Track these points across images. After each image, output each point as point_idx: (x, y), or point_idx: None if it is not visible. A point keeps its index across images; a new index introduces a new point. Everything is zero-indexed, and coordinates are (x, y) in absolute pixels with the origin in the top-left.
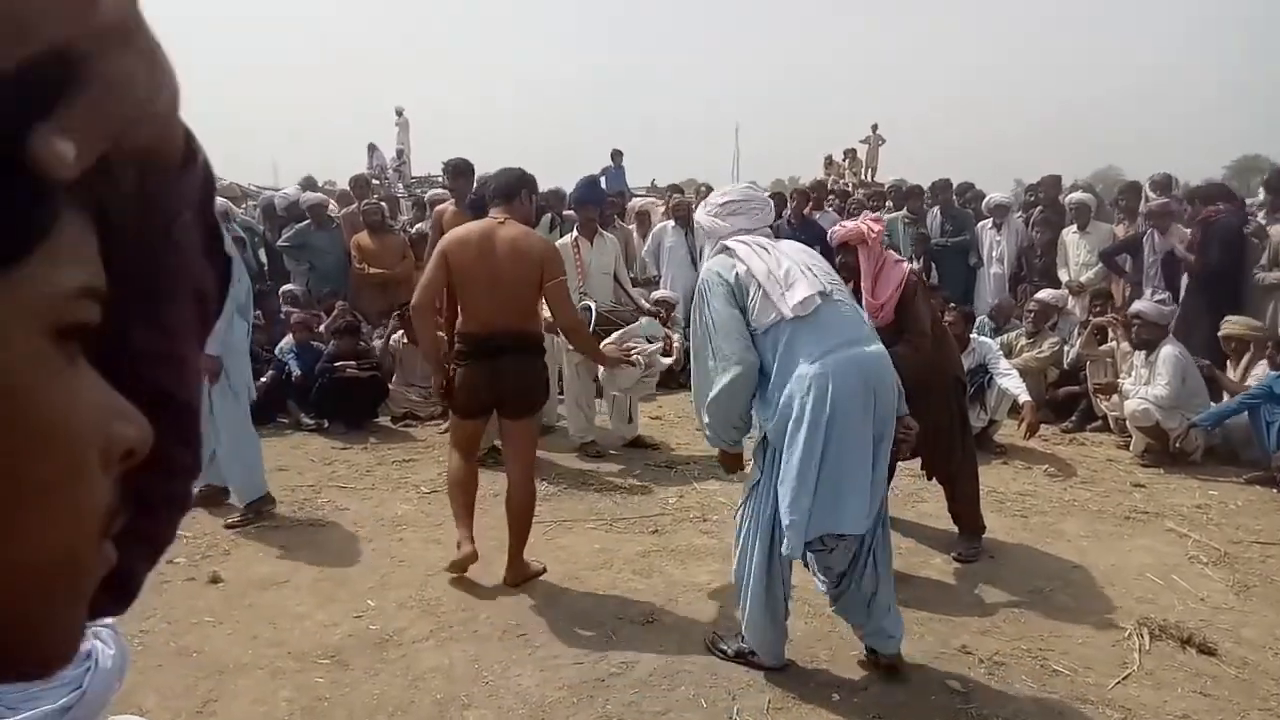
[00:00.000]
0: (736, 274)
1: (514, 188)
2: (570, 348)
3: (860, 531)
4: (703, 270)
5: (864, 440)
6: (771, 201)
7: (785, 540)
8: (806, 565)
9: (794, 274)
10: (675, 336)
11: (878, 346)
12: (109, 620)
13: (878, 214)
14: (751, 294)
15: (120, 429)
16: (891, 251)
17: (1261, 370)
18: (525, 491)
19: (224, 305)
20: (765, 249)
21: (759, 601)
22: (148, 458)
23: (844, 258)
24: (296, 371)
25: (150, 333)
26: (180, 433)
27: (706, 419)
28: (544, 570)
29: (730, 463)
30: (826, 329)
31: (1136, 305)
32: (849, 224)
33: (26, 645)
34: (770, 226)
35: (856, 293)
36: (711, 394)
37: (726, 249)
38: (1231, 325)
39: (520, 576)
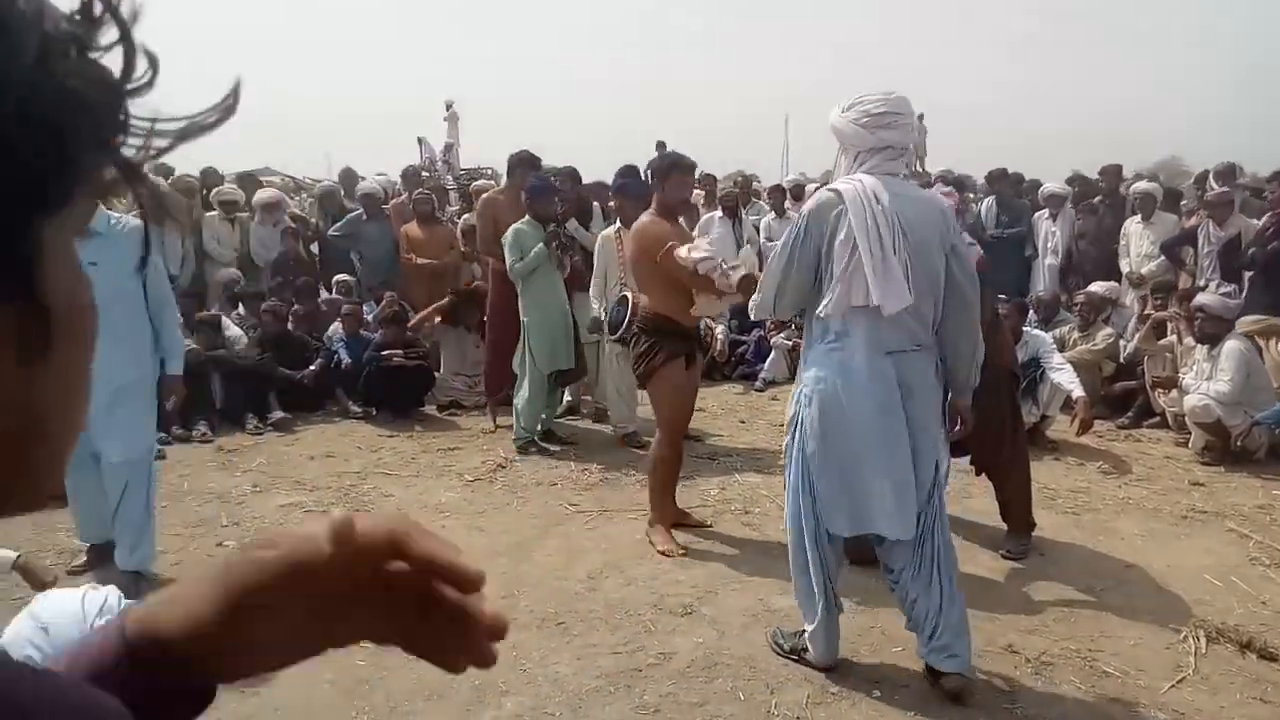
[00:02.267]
0: (838, 240)
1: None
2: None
3: (901, 536)
4: (818, 196)
5: (888, 444)
6: (916, 120)
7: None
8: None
9: (894, 273)
10: (718, 329)
11: (926, 349)
12: None
13: (948, 188)
14: (843, 263)
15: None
16: (965, 234)
17: None
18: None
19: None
20: (881, 222)
21: (801, 579)
22: None
23: None
24: (345, 360)
25: None
26: None
27: (759, 299)
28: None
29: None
30: (889, 327)
31: (1201, 298)
32: None
33: (51, 483)
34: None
35: None
36: (768, 299)
37: (842, 198)
38: (1246, 324)
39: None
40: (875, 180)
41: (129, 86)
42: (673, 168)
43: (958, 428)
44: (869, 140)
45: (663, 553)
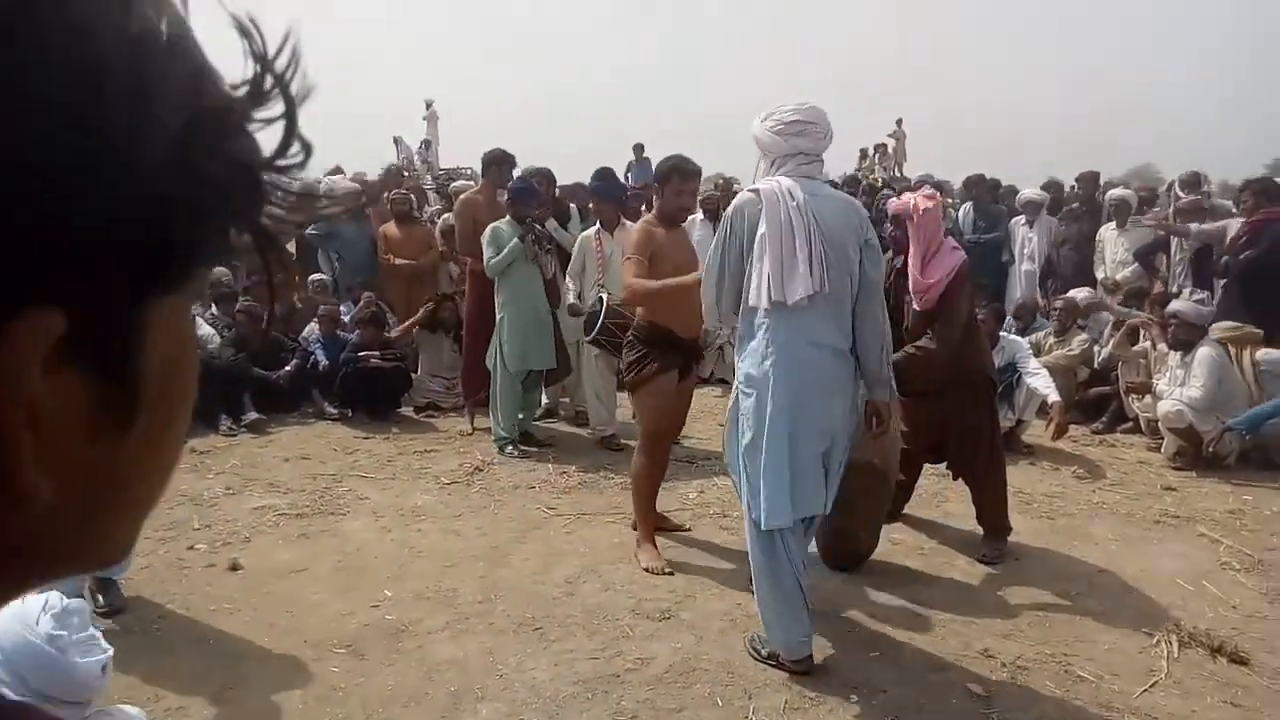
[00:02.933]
0: (758, 235)
1: None
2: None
3: (821, 511)
4: (740, 197)
5: (821, 432)
6: (831, 128)
7: (765, 514)
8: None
9: (800, 265)
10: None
11: (847, 352)
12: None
13: (931, 191)
14: (756, 258)
15: None
16: (950, 238)
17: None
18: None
19: None
20: (795, 216)
21: (763, 577)
22: None
23: (895, 231)
24: (322, 361)
25: None
26: None
27: (704, 304)
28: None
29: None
30: (814, 321)
31: (1174, 305)
32: (907, 197)
33: (127, 549)
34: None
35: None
36: (710, 302)
37: (760, 196)
38: (1219, 331)
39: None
40: (792, 181)
41: (278, 164)
42: (672, 172)
43: (877, 427)
44: (784, 147)
45: (646, 569)
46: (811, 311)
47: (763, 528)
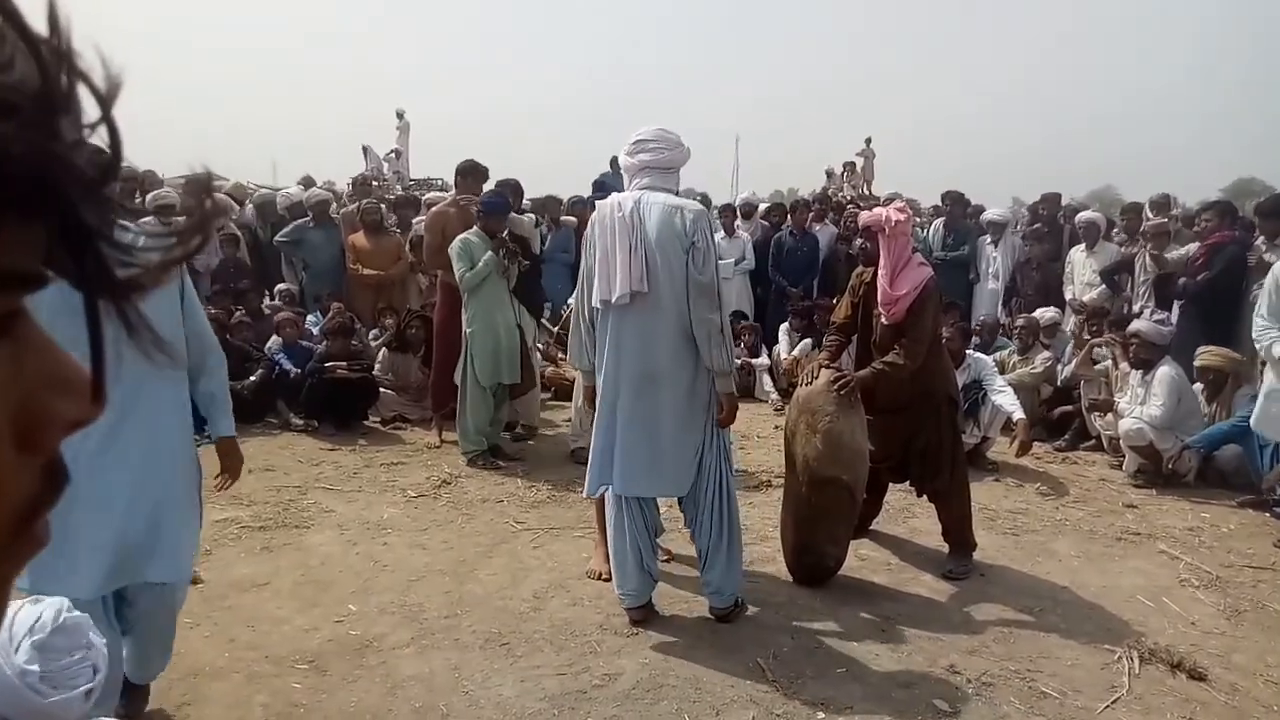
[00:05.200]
0: (589, 243)
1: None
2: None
3: (671, 494)
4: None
5: (645, 419)
6: (684, 145)
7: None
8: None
9: (620, 265)
10: None
11: (675, 337)
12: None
13: (903, 204)
14: (590, 265)
15: (51, 404)
16: (917, 254)
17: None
18: None
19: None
20: (619, 224)
21: (612, 532)
22: None
23: (866, 242)
24: (293, 370)
25: None
26: None
27: (572, 304)
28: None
29: (590, 394)
30: (639, 316)
31: (1135, 325)
32: (879, 210)
33: None
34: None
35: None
36: (576, 304)
37: (598, 210)
38: (1209, 357)
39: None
40: (629, 193)
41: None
42: None
43: (722, 413)
44: (634, 164)
45: (588, 572)
46: (639, 308)
47: (616, 494)
